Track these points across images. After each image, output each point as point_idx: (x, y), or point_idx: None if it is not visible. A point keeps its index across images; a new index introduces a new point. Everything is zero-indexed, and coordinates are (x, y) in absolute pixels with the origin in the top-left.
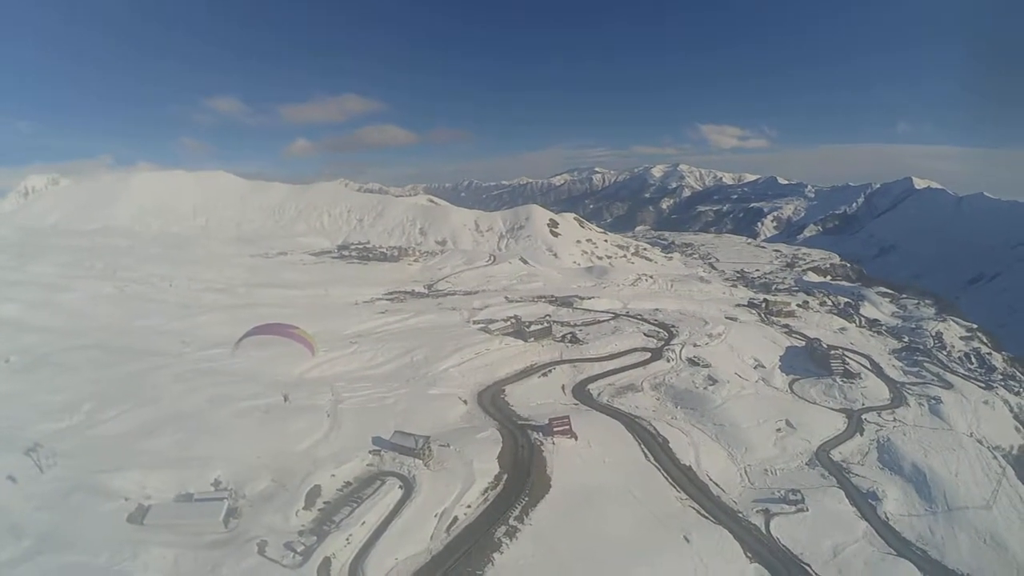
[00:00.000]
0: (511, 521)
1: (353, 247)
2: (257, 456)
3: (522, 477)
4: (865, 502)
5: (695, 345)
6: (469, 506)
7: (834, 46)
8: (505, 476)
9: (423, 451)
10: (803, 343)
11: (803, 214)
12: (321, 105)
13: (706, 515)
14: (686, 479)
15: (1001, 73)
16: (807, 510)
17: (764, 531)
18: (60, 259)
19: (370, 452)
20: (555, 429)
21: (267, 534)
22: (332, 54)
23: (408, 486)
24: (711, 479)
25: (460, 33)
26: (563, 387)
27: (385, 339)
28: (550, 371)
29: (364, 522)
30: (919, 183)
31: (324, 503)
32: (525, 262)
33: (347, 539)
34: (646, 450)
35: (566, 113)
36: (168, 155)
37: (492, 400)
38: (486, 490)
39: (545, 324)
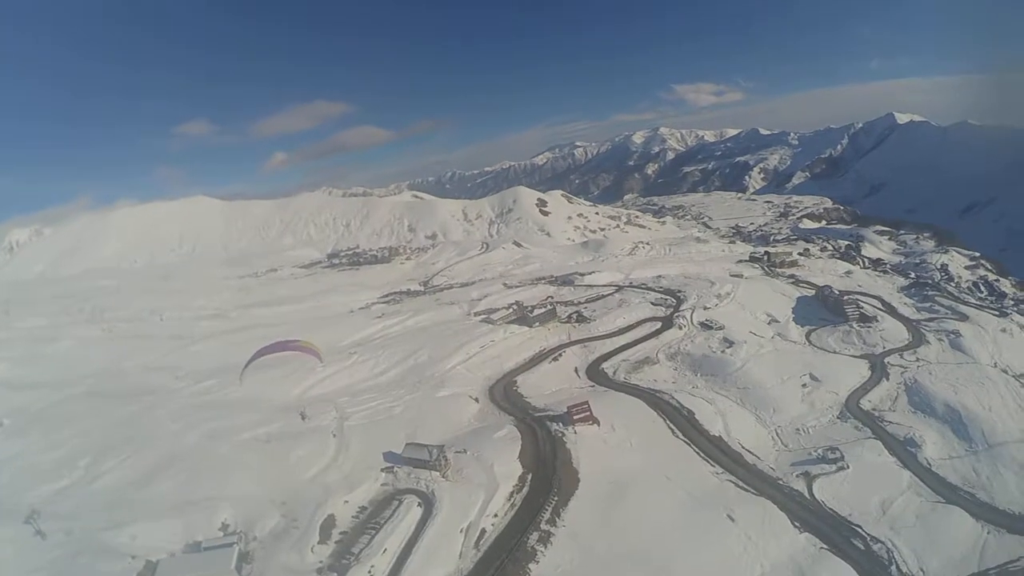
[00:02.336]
0: (543, 525)
1: (343, 254)
2: (264, 491)
3: (548, 474)
4: (904, 450)
5: (705, 308)
6: (496, 515)
7: None
8: (529, 476)
9: (439, 461)
10: (813, 292)
11: (789, 162)
12: (291, 115)
13: (746, 487)
14: (718, 451)
15: None
16: (848, 467)
17: (808, 495)
18: (46, 309)
19: (383, 470)
20: (575, 417)
21: None
22: (294, 63)
23: (428, 502)
24: (744, 447)
25: (420, 20)
26: (576, 370)
27: (385, 344)
28: (560, 355)
29: (385, 549)
30: (901, 118)
31: (340, 534)
32: (519, 245)
33: (369, 571)
34: (672, 425)
35: (541, 90)
36: (146, 188)
37: (504, 394)
38: (511, 495)
39: (548, 306)
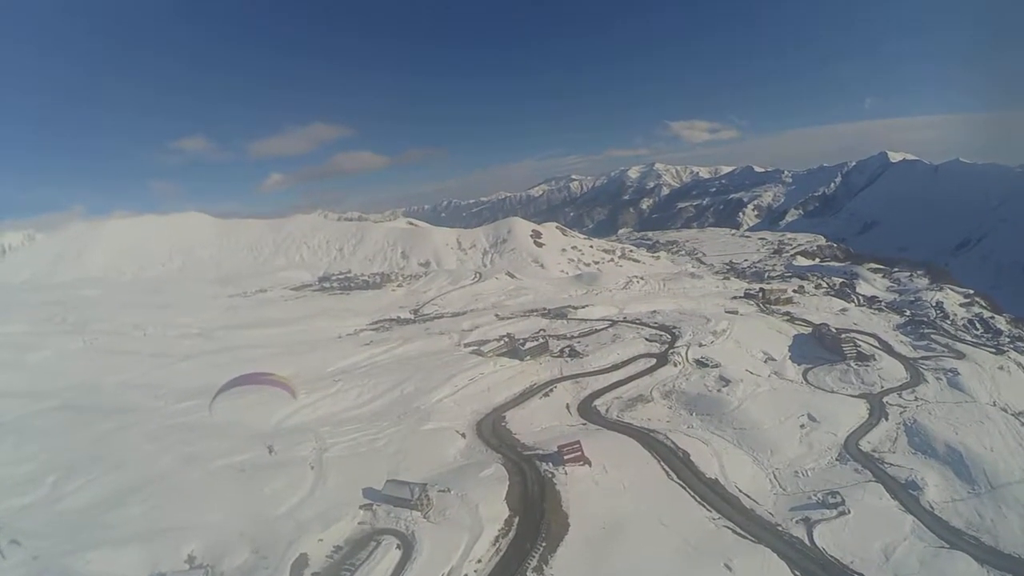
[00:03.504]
0: (530, 573)
1: (334, 277)
2: (235, 523)
3: (535, 518)
4: (906, 493)
5: (700, 345)
6: (480, 561)
7: (792, 30)
8: (516, 519)
9: (421, 501)
10: (810, 330)
11: (783, 200)
12: (289, 137)
13: (743, 534)
14: (714, 494)
15: (963, 38)
16: (849, 512)
17: (808, 543)
18: (30, 316)
19: (361, 508)
20: (566, 457)
21: None
22: (293, 85)
23: (407, 545)
24: (741, 490)
25: (422, 53)
26: (567, 406)
27: (372, 373)
28: (551, 390)
29: None
30: (894, 156)
31: (312, 574)
32: (512, 276)
33: None
34: (666, 467)
35: (536, 124)
36: (141, 201)
37: (493, 429)
38: (497, 539)
39: (540, 340)
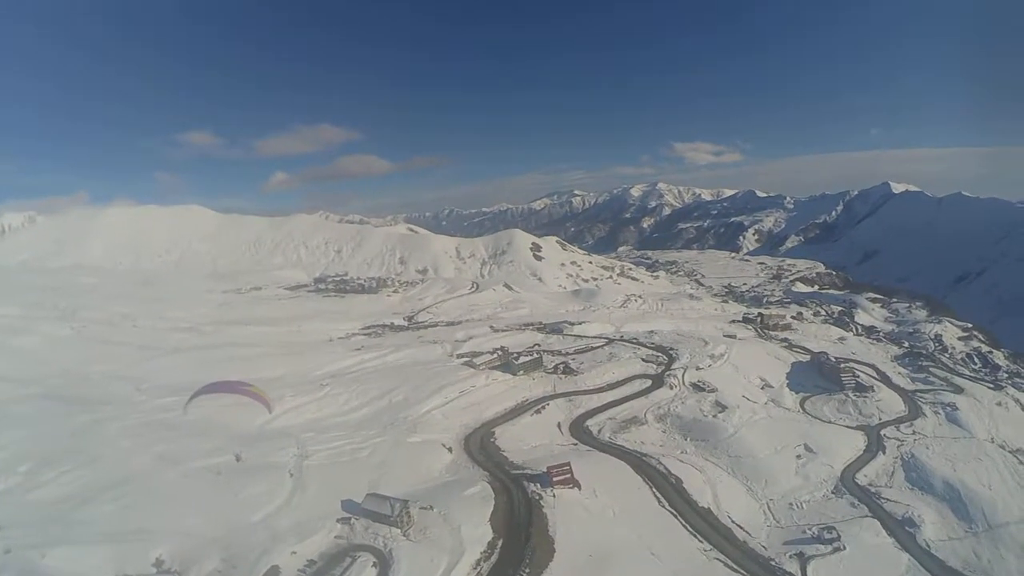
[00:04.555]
0: None
1: (330, 279)
2: (207, 529)
3: (520, 542)
4: (902, 530)
5: (698, 368)
6: None
7: (802, 59)
8: (500, 542)
9: (401, 517)
10: (808, 358)
11: (784, 225)
12: (296, 136)
13: (736, 568)
14: (707, 525)
15: (969, 73)
16: (844, 548)
17: None
18: (21, 299)
19: (339, 520)
20: (555, 479)
21: None
22: (303, 86)
23: (384, 563)
24: (734, 521)
25: (434, 65)
26: (559, 425)
27: (361, 379)
28: (543, 407)
29: None
30: (896, 187)
31: None
32: (509, 288)
33: None
34: (659, 494)
35: (543, 136)
36: (145, 191)
37: (481, 445)
38: (478, 562)
39: (535, 354)
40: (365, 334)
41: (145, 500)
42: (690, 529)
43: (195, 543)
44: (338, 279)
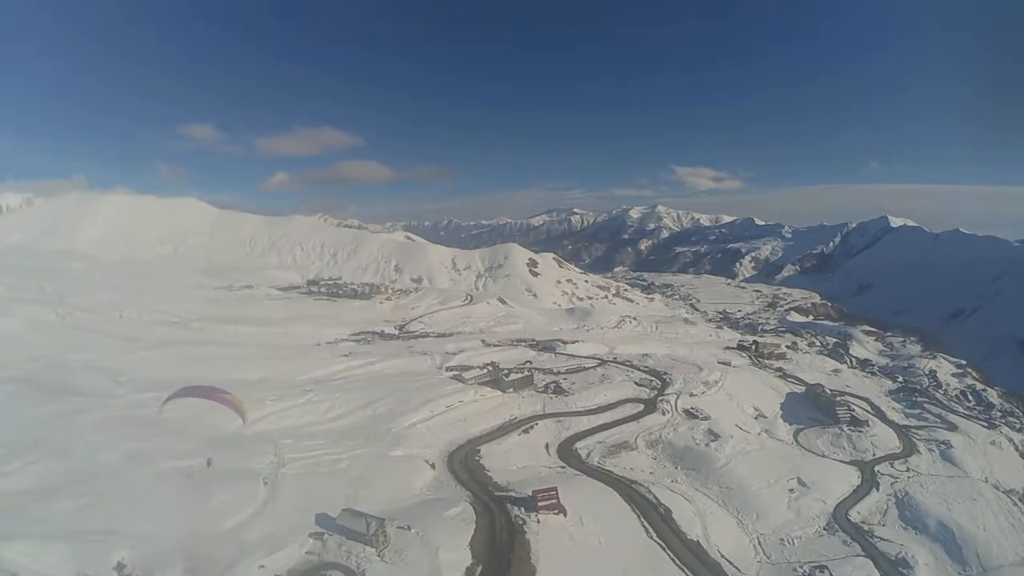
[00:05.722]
0: None
1: (323, 283)
2: (172, 535)
3: (500, 569)
4: (895, 571)
5: (691, 395)
6: None
7: (805, 95)
8: (479, 569)
9: (376, 536)
10: (802, 389)
11: (780, 254)
12: (299, 137)
13: None
14: (695, 559)
15: (972, 111)
16: None
17: None
18: (7, 280)
19: (311, 535)
20: (540, 503)
21: None
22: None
23: None
24: (723, 556)
25: (439, 79)
26: (547, 446)
27: (345, 387)
28: (532, 427)
29: None
30: (895, 221)
31: None
32: (504, 302)
33: None
34: (647, 524)
35: (546, 156)
36: (144, 180)
37: (465, 463)
38: None
39: (526, 372)
40: (354, 340)
41: (111, 499)
42: (678, 563)
43: (159, 549)
44: (331, 283)
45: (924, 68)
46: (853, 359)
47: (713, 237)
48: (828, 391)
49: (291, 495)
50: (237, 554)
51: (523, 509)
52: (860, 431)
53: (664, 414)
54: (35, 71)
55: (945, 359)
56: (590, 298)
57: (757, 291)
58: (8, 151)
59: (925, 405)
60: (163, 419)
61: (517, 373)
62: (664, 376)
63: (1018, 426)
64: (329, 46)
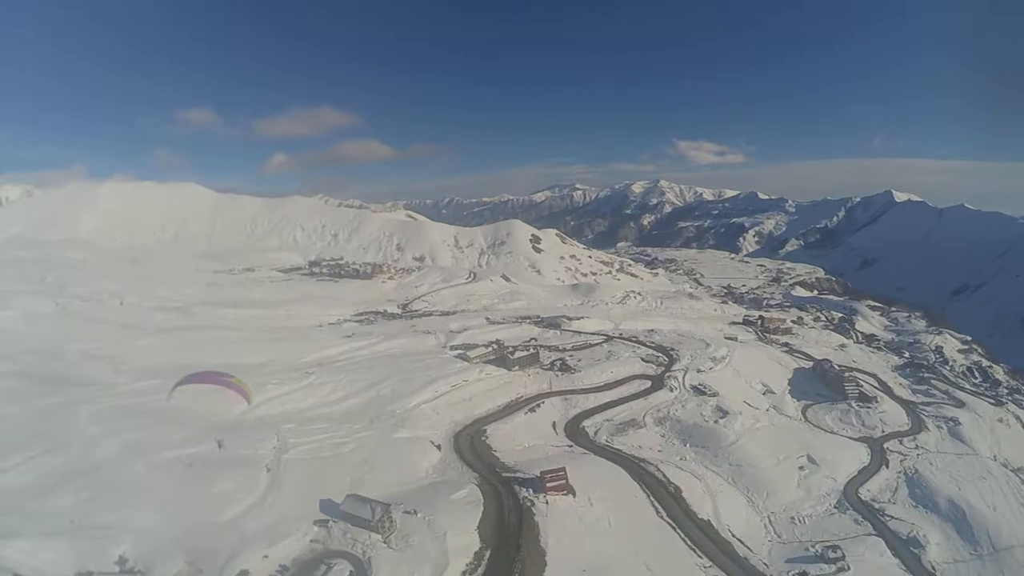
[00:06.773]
0: None
1: (325, 263)
2: (173, 527)
3: (509, 553)
4: (907, 550)
5: (699, 371)
6: None
7: (809, 68)
8: (488, 553)
9: (382, 523)
10: (810, 363)
11: (784, 229)
12: (297, 118)
13: None
14: (706, 538)
15: (976, 87)
16: (848, 568)
17: None
18: (6, 272)
19: (315, 523)
20: (548, 484)
21: None
22: (306, 67)
23: (361, 572)
24: (734, 535)
25: (441, 57)
26: (554, 425)
27: (348, 368)
28: (539, 405)
29: None
30: (899, 196)
31: None
32: (507, 279)
33: None
34: (657, 503)
35: (547, 131)
36: (143, 167)
37: (471, 444)
38: (464, 574)
39: (531, 350)
40: (357, 321)
41: (110, 492)
42: (689, 543)
43: (160, 542)
44: (333, 263)
45: (929, 42)
46: (859, 334)
47: (716, 212)
48: (836, 367)
49: (294, 481)
50: (239, 545)
51: (531, 490)
52: (869, 407)
53: (672, 391)
54: (31, 62)
55: (951, 335)
56: (594, 274)
57: (761, 266)
58: (7, 143)
59: (932, 381)
60: (161, 407)
61: (522, 351)
62: (671, 352)
63: None
64: (326, 23)
